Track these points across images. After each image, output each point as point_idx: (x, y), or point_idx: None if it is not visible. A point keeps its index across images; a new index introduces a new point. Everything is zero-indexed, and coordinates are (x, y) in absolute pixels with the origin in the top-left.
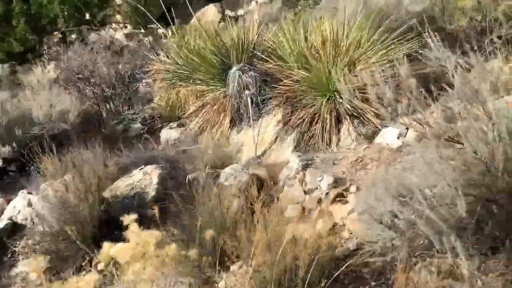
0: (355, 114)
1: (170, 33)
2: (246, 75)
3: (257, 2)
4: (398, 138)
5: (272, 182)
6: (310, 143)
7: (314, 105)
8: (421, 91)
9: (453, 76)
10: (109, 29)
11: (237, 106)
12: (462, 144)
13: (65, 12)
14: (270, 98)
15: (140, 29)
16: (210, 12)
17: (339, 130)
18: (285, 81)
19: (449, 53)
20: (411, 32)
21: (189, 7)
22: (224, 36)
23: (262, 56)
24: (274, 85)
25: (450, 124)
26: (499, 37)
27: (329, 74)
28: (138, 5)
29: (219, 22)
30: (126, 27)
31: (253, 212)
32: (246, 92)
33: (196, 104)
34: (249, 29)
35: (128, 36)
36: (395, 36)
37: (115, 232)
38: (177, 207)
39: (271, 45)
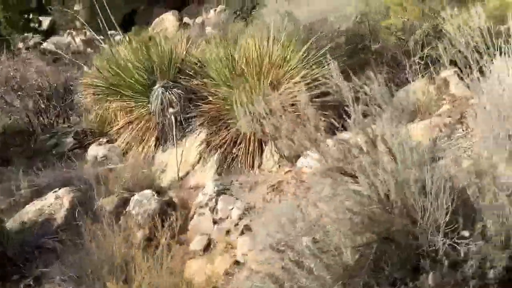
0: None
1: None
2: (170, 92)
3: (215, 10)
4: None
5: (185, 210)
6: (232, 165)
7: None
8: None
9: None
10: (68, 35)
11: (162, 124)
12: (357, 178)
13: (9, 18)
14: (195, 116)
15: (100, 35)
16: (168, 19)
17: (262, 152)
18: (210, 99)
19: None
20: (337, 50)
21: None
22: (153, 49)
23: (188, 72)
24: (199, 103)
25: (346, 157)
26: (422, 58)
27: (253, 93)
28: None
29: (177, 30)
30: (85, 33)
31: (156, 246)
32: (170, 110)
33: (123, 120)
34: (177, 44)
35: (85, 42)
36: (321, 54)
37: (12, 271)
38: (76, 241)
39: (199, 61)
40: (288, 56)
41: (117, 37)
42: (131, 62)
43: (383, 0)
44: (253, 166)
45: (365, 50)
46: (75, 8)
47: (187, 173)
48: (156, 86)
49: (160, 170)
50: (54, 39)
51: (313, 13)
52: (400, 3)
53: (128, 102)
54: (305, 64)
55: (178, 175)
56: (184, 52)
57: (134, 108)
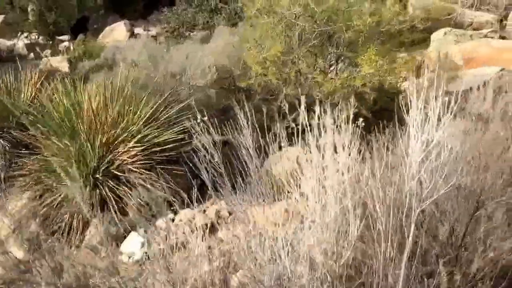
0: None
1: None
2: None
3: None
4: (142, 247)
5: None
6: (51, 240)
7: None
8: None
9: None
10: (18, 39)
11: None
12: None
13: None
14: (23, 175)
15: (49, 40)
16: (119, 29)
17: (88, 226)
18: (46, 154)
19: None
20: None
21: None
22: None
23: (27, 119)
24: (27, 160)
25: None
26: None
27: (83, 154)
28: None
29: (127, 41)
30: (38, 36)
31: None
32: None
33: None
34: (25, 82)
35: (29, 46)
36: (176, 112)
37: None
38: None
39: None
40: (131, 114)
41: (65, 43)
42: None
43: (244, 58)
44: (71, 245)
45: (228, 110)
46: (28, 9)
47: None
48: None
49: None
50: None
51: (173, 64)
52: (262, 63)
53: None
54: (146, 125)
55: None
56: (34, 93)
57: None
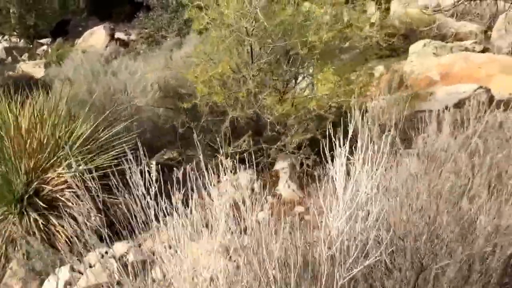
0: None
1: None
2: None
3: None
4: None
5: None
6: None
7: None
8: None
9: None
10: None
11: None
12: None
13: None
14: None
15: (29, 43)
16: (98, 33)
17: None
18: None
19: None
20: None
21: None
22: None
23: None
24: None
25: None
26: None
27: (9, 180)
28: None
29: (106, 46)
30: (20, 39)
31: None
32: None
33: None
34: None
35: (8, 50)
36: (108, 137)
37: None
38: None
39: None
40: (60, 135)
41: (44, 47)
42: None
43: (188, 76)
44: None
45: (170, 133)
46: (10, 11)
47: None
48: None
49: None
50: None
51: (116, 80)
52: (207, 81)
53: None
54: (84, 146)
55: None
56: None
57: None
